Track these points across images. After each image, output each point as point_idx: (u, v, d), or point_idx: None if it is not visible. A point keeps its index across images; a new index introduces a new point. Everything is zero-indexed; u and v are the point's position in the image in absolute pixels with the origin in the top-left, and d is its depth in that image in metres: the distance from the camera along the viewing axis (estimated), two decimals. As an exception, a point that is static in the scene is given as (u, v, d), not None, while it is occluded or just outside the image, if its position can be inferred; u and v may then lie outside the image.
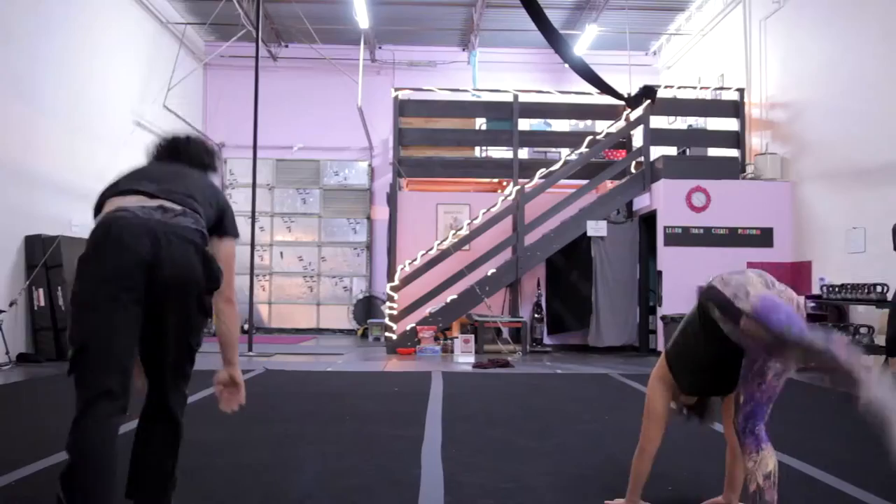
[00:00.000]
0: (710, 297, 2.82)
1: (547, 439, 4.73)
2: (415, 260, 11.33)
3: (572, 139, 12.74)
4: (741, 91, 11.97)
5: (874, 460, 4.26)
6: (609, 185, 12.24)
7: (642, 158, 11.72)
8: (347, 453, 4.25)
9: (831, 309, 9.33)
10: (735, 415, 2.87)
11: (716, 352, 2.87)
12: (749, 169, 11.47)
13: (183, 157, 2.96)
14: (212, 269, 2.58)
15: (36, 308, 9.27)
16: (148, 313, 2.49)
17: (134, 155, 11.90)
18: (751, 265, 10.71)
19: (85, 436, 2.36)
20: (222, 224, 2.82)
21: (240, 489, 3.52)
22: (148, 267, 2.42)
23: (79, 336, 2.43)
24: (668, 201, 10.94)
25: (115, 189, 2.65)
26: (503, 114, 12.61)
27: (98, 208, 2.66)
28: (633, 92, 11.72)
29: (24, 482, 3.59)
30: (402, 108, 12.39)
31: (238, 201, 15.58)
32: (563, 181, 11.77)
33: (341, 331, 15.40)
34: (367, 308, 15.12)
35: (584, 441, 4.72)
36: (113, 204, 2.57)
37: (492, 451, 4.35)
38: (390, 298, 11.27)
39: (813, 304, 9.52)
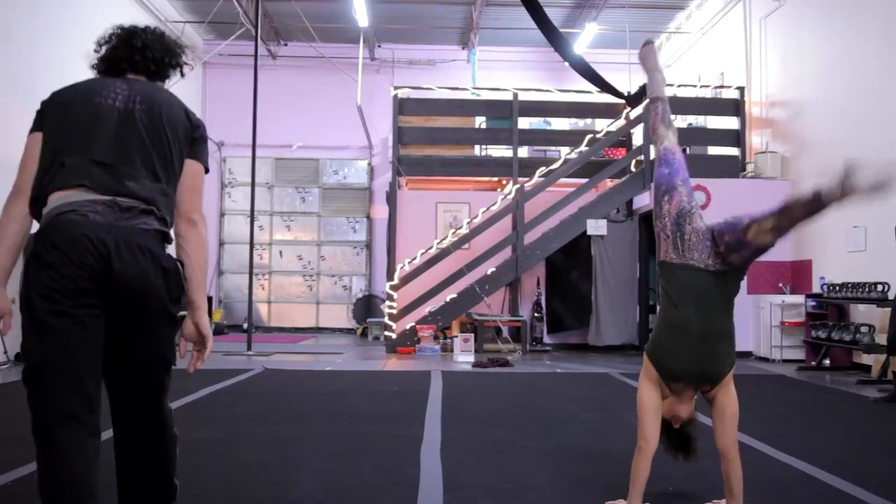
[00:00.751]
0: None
1: (547, 439, 4.71)
2: (414, 259, 11.31)
3: (572, 138, 12.72)
4: (741, 89, 11.95)
5: (874, 460, 4.26)
6: (609, 183, 12.22)
7: (642, 157, 11.69)
8: (346, 453, 4.23)
9: (832, 308, 9.30)
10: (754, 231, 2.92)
11: (679, 299, 2.98)
12: (749, 168, 11.45)
13: (140, 66, 2.53)
14: (169, 280, 2.31)
15: (35, 307, 9.22)
16: (110, 328, 2.27)
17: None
18: (751, 264, 10.68)
19: (58, 480, 2.17)
20: (191, 151, 2.51)
21: (237, 490, 3.49)
22: (100, 282, 2.19)
23: (35, 352, 2.22)
24: (668, 200, 10.88)
25: (63, 181, 2.29)
26: (503, 112, 12.58)
27: (42, 197, 2.32)
28: (633, 90, 11.70)
29: (21, 482, 3.57)
30: (402, 106, 12.37)
31: (237, 200, 15.60)
32: (562, 180, 11.76)
33: (341, 330, 15.38)
34: (366, 307, 15.10)
35: (585, 441, 4.70)
36: (58, 199, 2.26)
37: (491, 451, 4.33)
38: (390, 297, 11.25)
39: (813, 303, 9.50)
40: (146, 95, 2.45)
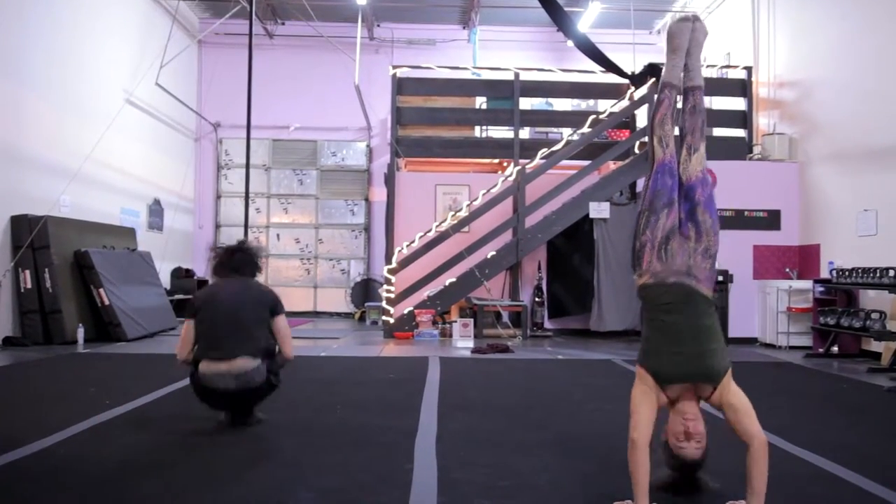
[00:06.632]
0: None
1: (548, 430, 4.49)
2: (413, 242, 11.06)
3: (574, 119, 12.45)
4: (748, 69, 11.66)
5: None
6: (612, 165, 11.96)
7: (646, 138, 11.41)
8: (336, 447, 4.01)
9: (840, 293, 9.07)
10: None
11: (664, 307, 3.01)
12: (756, 149, 11.18)
13: (241, 271, 4.60)
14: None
15: (22, 290, 9.01)
16: None
17: (124, 134, 11.60)
18: (757, 248, 10.48)
19: None
20: (275, 310, 4.50)
21: (216, 485, 3.27)
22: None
23: None
24: (672, 183, 10.63)
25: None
26: (504, 93, 12.29)
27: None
28: (638, 70, 11.42)
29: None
30: (401, 86, 12.08)
31: (234, 182, 15.36)
32: (564, 162, 11.48)
33: (339, 314, 15.18)
34: (364, 291, 14.89)
35: (587, 432, 4.48)
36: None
37: (490, 444, 4.11)
38: (388, 281, 11.02)
39: (822, 289, 9.27)
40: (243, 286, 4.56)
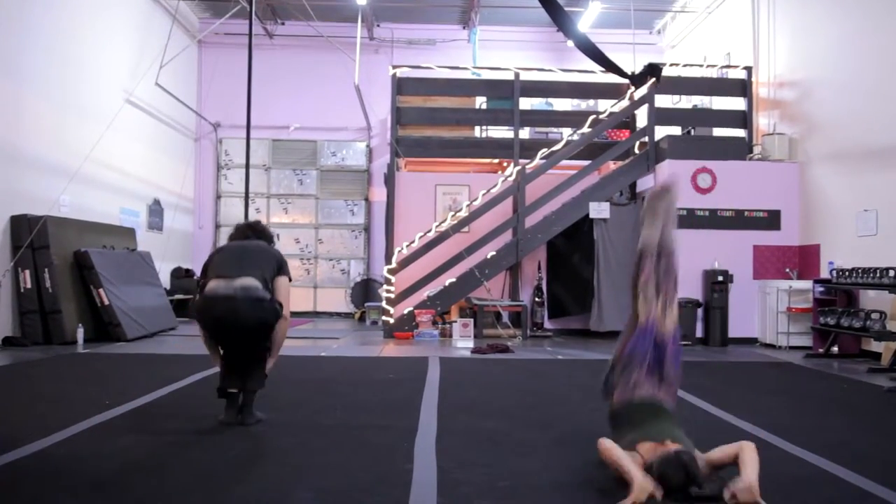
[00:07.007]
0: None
1: (548, 430, 4.49)
2: (413, 242, 11.06)
3: (574, 119, 12.45)
4: (748, 69, 11.66)
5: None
6: (612, 165, 11.95)
7: (646, 138, 11.42)
8: (334, 447, 4.01)
9: (841, 294, 9.07)
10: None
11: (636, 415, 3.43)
12: (756, 149, 11.17)
13: (251, 238, 4.81)
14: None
15: (22, 290, 9.00)
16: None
17: (124, 133, 11.59)
18: (757, 249, 10.47)
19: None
20: (281, 268, 4.61)
21: (216, 485, 3.27)
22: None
23: None
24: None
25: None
26: (504, 92, 12.29)
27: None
28: (638, 70, 11.40)
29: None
30: (401, 86, 12.08)
31: (233, 182, 15.36)
32: (564, 162, 11.49)
33: (339, 314, 15.18)
34: (364, 291, 14.89)
35: (588, 432, 4.45)
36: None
37: (490, 445, 4.10)
38: (388, 281, 11.02)
39: (822, 289, 9.27)
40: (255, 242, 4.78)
